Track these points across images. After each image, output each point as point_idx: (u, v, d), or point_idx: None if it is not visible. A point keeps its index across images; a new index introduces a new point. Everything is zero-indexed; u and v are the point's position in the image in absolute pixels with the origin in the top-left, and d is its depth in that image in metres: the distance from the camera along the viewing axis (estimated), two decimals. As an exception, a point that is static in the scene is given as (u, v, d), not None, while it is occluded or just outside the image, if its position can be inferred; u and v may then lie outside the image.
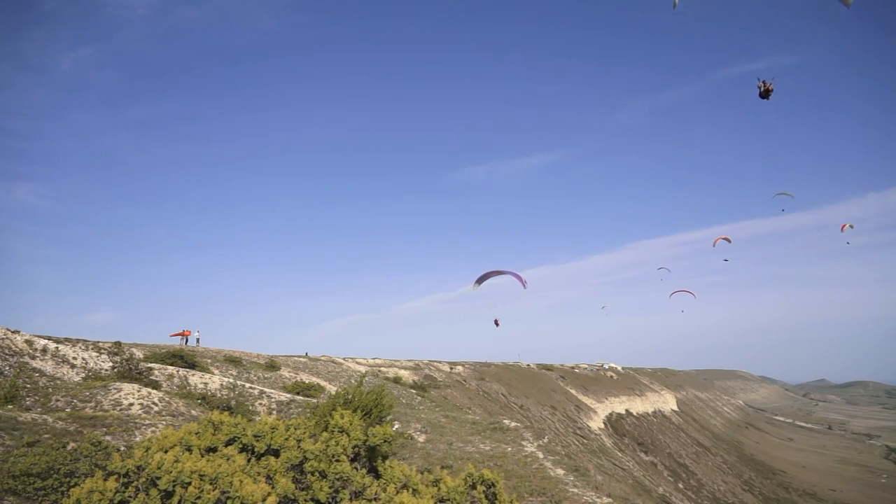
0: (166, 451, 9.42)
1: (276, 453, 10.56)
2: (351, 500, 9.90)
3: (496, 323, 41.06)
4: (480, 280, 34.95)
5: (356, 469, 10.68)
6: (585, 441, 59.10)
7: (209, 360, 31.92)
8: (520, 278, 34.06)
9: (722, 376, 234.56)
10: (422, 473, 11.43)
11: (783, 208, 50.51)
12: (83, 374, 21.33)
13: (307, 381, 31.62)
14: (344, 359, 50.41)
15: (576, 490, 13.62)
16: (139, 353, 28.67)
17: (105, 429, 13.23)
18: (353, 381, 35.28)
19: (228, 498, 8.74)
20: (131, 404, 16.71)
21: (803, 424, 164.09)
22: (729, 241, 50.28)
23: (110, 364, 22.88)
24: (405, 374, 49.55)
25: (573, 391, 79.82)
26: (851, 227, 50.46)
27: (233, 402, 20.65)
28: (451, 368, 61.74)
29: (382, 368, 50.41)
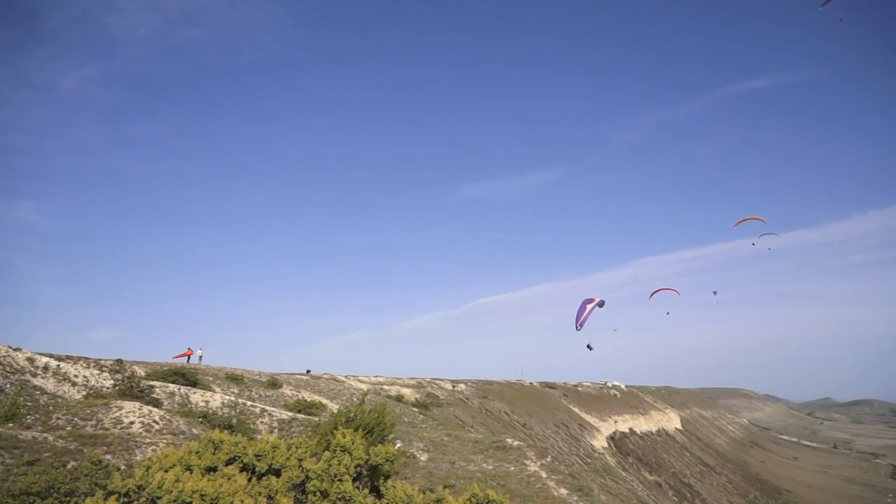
0: (167, 471, 9.36)
1: (278, 473, 10.49)
2: (353, 520, 9.82)
3: (589, 347, 40.24)
4: (580, 323, 34.16)
5: (358, 489, 10.60)
6: (589, 460, 58.54)
7: (211, 378, 31.80)
8: (580, 315, 33.02)
9: (726, 394, 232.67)
10: (424, 493, 11.33)
11: (769, 247, 49.51)
12: (84, 392, 21.25)
13: (309, 399, 31.46)
14: (346, 376, 50.15)
15: (580, 510, 13.47)
16: (141, 371, 28.58)
17: (105, 447, 13.16)
18: (354, 399, 35.07)
19: (229, 518, 8.67)
20: (132, 422, 16.64)
21: (808, 443, 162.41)
22: (764, 221, 44.57)
23: (112, 382, 22.79)
24: (407, 392, 49.27)
25: (576, 409, 79.23)
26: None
27: (234, 421, 20.53)
28: (454, 386, 61.37)
29: (384, 386, 50.13)
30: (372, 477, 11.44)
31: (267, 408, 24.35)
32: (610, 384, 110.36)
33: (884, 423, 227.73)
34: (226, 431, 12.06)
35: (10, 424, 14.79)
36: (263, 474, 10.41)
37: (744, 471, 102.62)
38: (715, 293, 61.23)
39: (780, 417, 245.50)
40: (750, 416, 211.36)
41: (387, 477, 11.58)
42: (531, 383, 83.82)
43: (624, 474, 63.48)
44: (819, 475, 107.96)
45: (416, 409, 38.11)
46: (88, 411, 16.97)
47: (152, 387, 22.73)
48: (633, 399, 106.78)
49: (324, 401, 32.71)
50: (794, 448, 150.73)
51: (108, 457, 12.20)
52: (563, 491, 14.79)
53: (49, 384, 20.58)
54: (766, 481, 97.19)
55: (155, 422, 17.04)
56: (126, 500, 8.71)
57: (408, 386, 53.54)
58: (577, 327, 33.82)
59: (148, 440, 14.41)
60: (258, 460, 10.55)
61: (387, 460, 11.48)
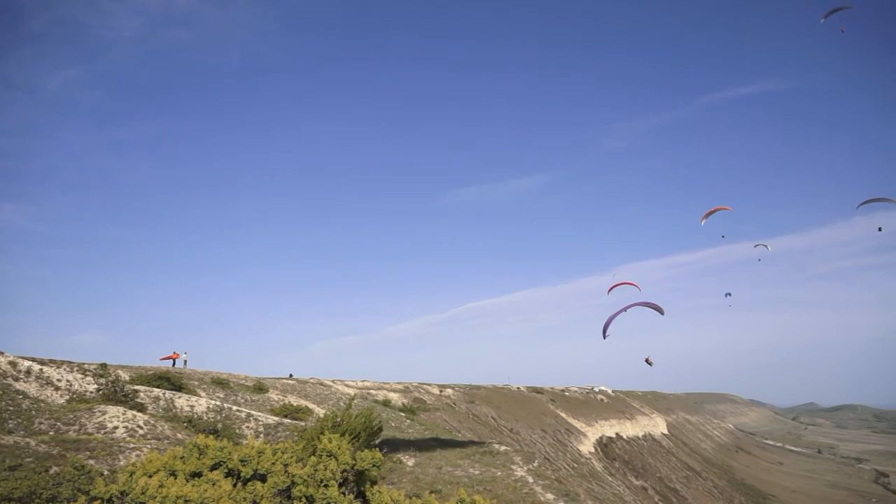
0: (151, 476, 9.31)
1: (263, 478, 10.45)
2: (338, 525, 9.80)
3: (648, 362, 38.15)
4: (605, 329, 32.64)
5: (344, 494, 10.58)
6: (576, 465, 58.69)
7: (196, 383, 31.56)
8: (606, 325, 31.68)
9: (712, 399, 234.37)
10: (410, 498, 11.33)
11: (759, 258, 50.40)
12: (68, 397, 21.02)
13: (295, 404, 31.32)
14: (332, 381, 49.97)
15: (565, 515, 13.53)
16: (125, 375, 28.31)
17: (89, 452, 13.04)
18: (341, 404, 34.95)
19: (214, 524, 8.63)
20: (116, 427, 16.49)
21: (793, 448, 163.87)
22: (730, 210, 42.74)
23: (95, 386, 22.57)
24: (394, 397, 49.17)
25: (563, 414, 79.43)
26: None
27: (219, 426, 20.40)
28: (441, 391, 61.33)
29: (371, 391, 50.00)
30: (358, 482, 11.43)
31: (253, 412, 24.21)
32: (597, 389, 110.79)
33: (867, 427, 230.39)
34: (211, 436, 11.99)
35: (-9, 429, 14.61)
36: (249, 480, 10.37)
37: (729, 475, 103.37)
38: (728, 294, 60.86)
39: (765, 422, 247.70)
40: (735, 421, 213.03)
41: (373, 482, 11.57)
42: (518, 388, 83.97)
43: (610, 479, 63.70)
44: (803, 480, 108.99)
45: (403, 414, 38.05)
46: (71, 416, 16.80)
47: (137, 391, 22.53)
48: (620, 404, 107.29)
49: (310, 405, 32.58)
50: (779, 453, 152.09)
51: (92, 462, 12.09)
52: (550, 496, 14.85)
53: (31, 388, 20.34)
54: (751, 486, 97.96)
55: (139, 427, 16.89)
56: (109, 505, 8.65)
57: (395, 391, 53.43)
58: (603, 336, 33.17)
59: (132, 445, 14.29)
60: (243, 465, 10.51)
61: (373, 465, 11.47)
